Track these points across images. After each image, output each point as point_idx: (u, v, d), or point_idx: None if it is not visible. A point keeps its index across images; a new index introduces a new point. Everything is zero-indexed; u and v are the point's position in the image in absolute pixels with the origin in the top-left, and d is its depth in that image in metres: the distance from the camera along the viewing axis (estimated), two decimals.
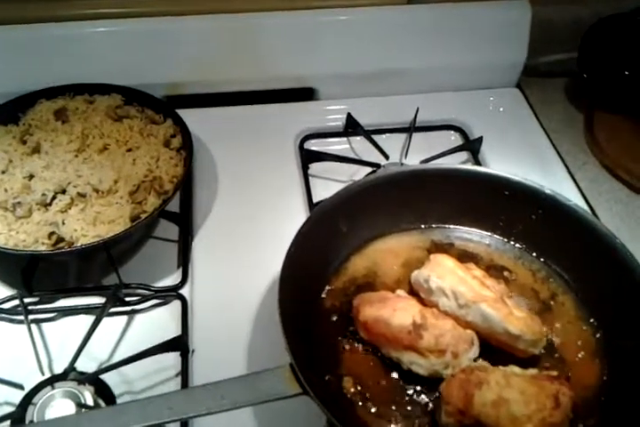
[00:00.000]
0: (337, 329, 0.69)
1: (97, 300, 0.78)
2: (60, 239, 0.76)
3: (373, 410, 0.63)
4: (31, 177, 0.82)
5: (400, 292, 0.70)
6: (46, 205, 0.79)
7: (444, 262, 0.68)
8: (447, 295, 0.65)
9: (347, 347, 0.67)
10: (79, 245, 0.75)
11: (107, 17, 0.97)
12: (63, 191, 0.80)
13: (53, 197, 0.79)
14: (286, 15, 0.99)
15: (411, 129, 0.97)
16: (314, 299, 0.71)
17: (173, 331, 0.76)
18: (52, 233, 0.76)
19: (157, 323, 0.77)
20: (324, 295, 0.72)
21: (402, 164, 0.92)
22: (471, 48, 1.03)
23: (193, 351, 0.72)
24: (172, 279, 0.81)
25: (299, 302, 0.67)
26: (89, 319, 0.77)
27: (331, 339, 0.68)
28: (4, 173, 0.83)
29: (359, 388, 0.64)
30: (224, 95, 1.03)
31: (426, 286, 0.67)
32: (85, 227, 0.76)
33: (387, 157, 0.94)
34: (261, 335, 0.74)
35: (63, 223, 0.76)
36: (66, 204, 0.78)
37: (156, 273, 0.82)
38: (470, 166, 0.86)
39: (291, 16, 0.99)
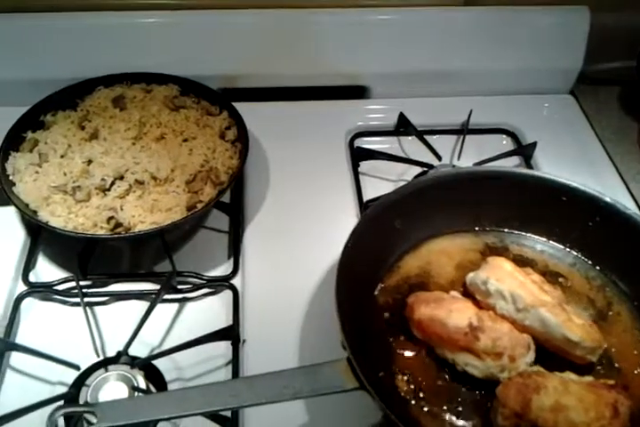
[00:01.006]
0: (390, 327, 0.69)
1: (149, 286, 0.80)
2: (118, 224, 0.77)
3: (426, 409, 0.63)
4: (90, 162, 0.83)
5: (454, 293, 0.69)
6: (105, 191, 0.80)
7: (503, 265, 0.68)
8: (505, 299, 0.65)
9: (400, 345, 0.67)
10: (137, 230, 0.76)
11: (166, 8, 0.98)
12: (121, 177, 0.81)
13: (112, 183, 0.80)
14: (343, 12, 0.99)
15: (464, 131, 0.96)
16: (367, 296, 0.71)
17: (223, 320, 0.76)
18: (110, 218, 0.77)
19: (207, 312, 0.78)
20: (376, 293, 0.72)
21: (453, 165, 0.92)
22: (527, 52, 1.02)
23: (244, 341, 0.73)
24: (222, 269, 0.82)
25: (353, 298, 0.67)
26: (140, 305, 0.78)
27: (384, 336, 0.68)
28: (62, 157, 0.84)
29: (412, 386, 0.64)
30: (276, 90, 1.04)
31: (483, 288, 0.67)
32: (143, 213, 0.77)
33: (439, 157, 0.93)
34: (311, 328, 0.74)
35: (121, 209, 0.78)
36: (124, 190, 0.79)
37: (206, 263, 0.83)
38: (529, 170, 0.85)
39: (347, 13, 0.99)
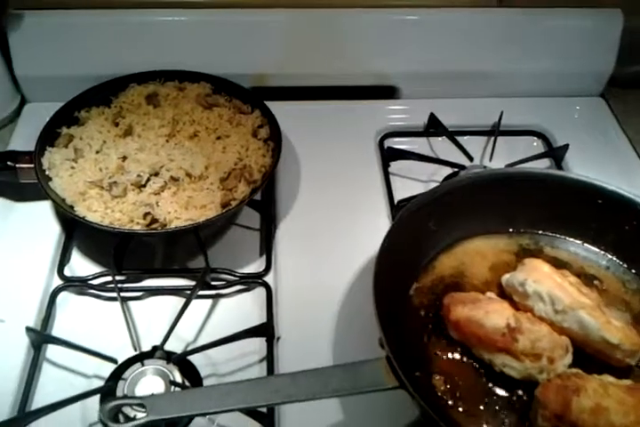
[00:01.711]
0: (425, 327, 0.69)
1: (182, 282, 0.80)
2: (154, 220, 0.77)
3: (462, 409, 0.63)
4: (124, 158, 0.84)
5: (490, 294, 0.70)
6: (140, 187, 0.80)
7: (541, 267, 0.68)
8: (544, 300, 0.65)
9: (435, 345, 0.67)
10: (173, 226, 0.76)
11: (199, 6, 0.98)
12: (156, 174, 0.82)
13: (147, 179, 0.81)
14: (375, 12, 1.00)
15: (495, 132, 0.96)
16: (402, 295, 0.71)
17: (256, 317, 0.77)
18: (146, 214, 0.77)
19: (241, 309, 0.78)
20: (411, 292, 0.72)
21: (484, 166, 0.92)
22: (559, 54, 1.02)
23: (278, 338, 0.73)
24: (254, 267, 0.82)
25: (389, 297, 0.67)
26: (174, 300, 0.79)
27: (419, 336, 0.68)
28: (98, 152, 0.84)
29: (448, 386, 0.64)
30: (306, 89, 1.04)
31: (521, 289, 0.67)
32: (178, 210, 0.78)
33: (471, 158, 0.93)
34: (345, 326, 0.75)
35: (157, 205, 0.78)
36: (159, 186, 0.80)
37: (238, 260, 0.83)
38: (564, 172, 0.85)
39: (379, 13, 1.00)
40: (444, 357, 0.67)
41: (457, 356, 0.67)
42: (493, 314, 0.65)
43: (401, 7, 1.00)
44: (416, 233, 0.74)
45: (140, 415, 0.56)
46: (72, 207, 0.79)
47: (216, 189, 0.81)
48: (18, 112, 1.01)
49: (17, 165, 0.83)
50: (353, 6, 0.99)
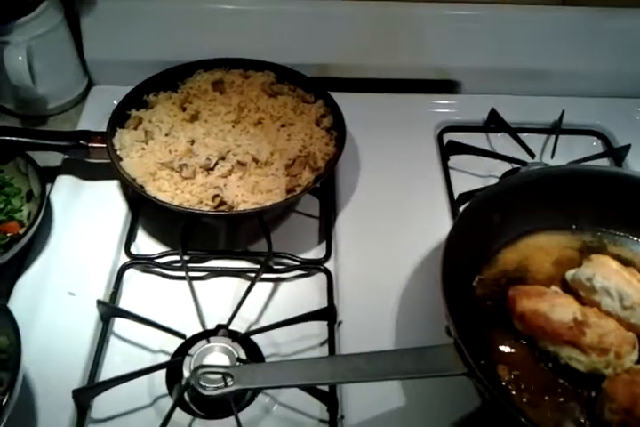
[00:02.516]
0: (489, 317, 0.70)
1: (244, 264, 0.82)
2: (222, 203, 0.79)
3: (526, 400, 0.63)
4: (192, 142, 0.86)
5: (555, 288, 0.70)
6: (209, 170, 0.82)
7: (609, 263, 0.68)
8: (612, 296, 0.65)
9: (499, 335, 0.68)
10: (241, 209, 0.78)
11: None
12: (223, 158, 0.84)
13: (215, 163, 0.83)
14: (438, 7, 1.00)
15: (556, 130, 0.96)
16: (466, 286, 0.72)
17: (316, 302, 0.78)
18: (215, 196, 0.79)
19: (301, 293, 0.80)
20: (474, 284, 0.73)
21: (545, 164, 0.92)
22: (621, 54, 1.01)
23: (340, 323, 0.74)
24: (313, 253, 0.84)
25: (454, 287, 0.67)
26: (235, 281, 0.81)
27: (483, 326, 0.69)
28: (167, 135, 0.87)
29: (513, 376, 0.65)
30: (367, 81, 1.05)
31: (588, 284, 0.67)
32: (245, 193, 0.79)
33: (532, 155, 0.93)
34: (406, 313, 0.75)
35: (225, 188, 0.80)
36: (227, 170, 0.82)
37: (297, 246, 0.84)
38: (631, 171, 0.85)
39: (443, 8, 1.00)
40: (508, 347, 0.67)
41: (521, 347, 0.67)
42: (560, 307, 0.65)
43: (465, 2, 1.00)
44: (481, 225, 0.74)
45: (210, 387, 0.58)
46: (142, 187, 0.81)
47: (281, 175, 0.82)
48: (85, 94, 1.04)
49: (89, 145, 0.85)
50: (418, 0, 1.00)
